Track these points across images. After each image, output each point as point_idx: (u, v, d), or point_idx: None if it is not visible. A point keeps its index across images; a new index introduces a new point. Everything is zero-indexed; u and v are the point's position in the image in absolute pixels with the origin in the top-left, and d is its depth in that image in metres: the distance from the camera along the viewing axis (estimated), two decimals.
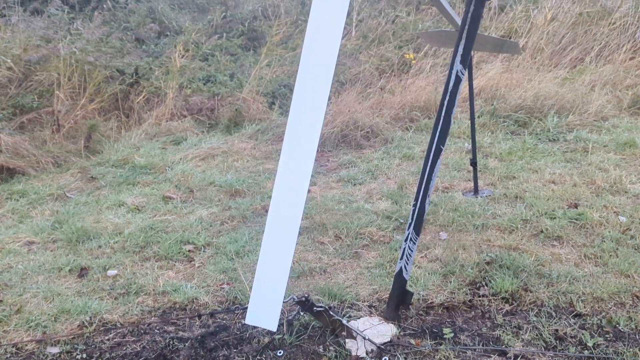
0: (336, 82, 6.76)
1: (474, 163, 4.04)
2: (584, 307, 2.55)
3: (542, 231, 3.37)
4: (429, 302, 2.63)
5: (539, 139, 5.23)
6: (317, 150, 2.04)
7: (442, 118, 2.32)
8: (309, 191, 4.22)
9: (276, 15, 10.64)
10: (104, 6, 8.75)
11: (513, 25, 8.36)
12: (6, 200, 4.32)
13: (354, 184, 4.44)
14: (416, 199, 2.38)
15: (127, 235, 3.48)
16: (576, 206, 3.70)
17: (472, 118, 4.05)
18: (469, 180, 4.28)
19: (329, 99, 2.14)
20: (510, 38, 8.17)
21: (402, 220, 3.61)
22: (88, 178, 4.74)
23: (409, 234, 2.39)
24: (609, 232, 3.31)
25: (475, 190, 4.07)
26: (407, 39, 8.65)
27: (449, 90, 2.31)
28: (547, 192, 3.99)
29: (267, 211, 2.11)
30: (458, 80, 2.31)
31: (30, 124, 5.41)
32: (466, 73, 2.41)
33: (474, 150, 4.05)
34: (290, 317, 2.44)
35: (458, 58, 2.29)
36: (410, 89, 6.30)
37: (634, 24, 7.64)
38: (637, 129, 5.23)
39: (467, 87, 4.14)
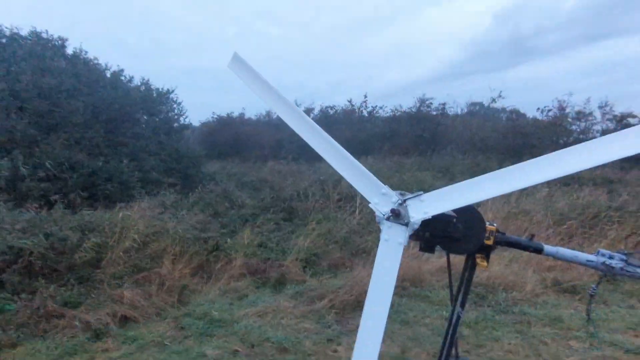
0: None
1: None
2: None
3: None
4: None
5: (495, 310, 5.22)
6: None
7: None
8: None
9: (306, 195, 11.30)
10: (196, 189, 9.44)
11: None
12: (122, 344, 4.29)
13: None
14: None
15: None
16: None
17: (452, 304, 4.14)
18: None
19: None
20: None
21: None
22: (179, 328, 4.71)
23: None
24: None
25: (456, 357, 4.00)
26: None
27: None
28: None
29: None
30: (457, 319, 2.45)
31: (143, 280, 5.54)
32: (464, 313, 2.54)
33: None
34: None
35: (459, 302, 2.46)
36: None
37: (545, 220, 8.10)
38: (561, 305, 5.26)
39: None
